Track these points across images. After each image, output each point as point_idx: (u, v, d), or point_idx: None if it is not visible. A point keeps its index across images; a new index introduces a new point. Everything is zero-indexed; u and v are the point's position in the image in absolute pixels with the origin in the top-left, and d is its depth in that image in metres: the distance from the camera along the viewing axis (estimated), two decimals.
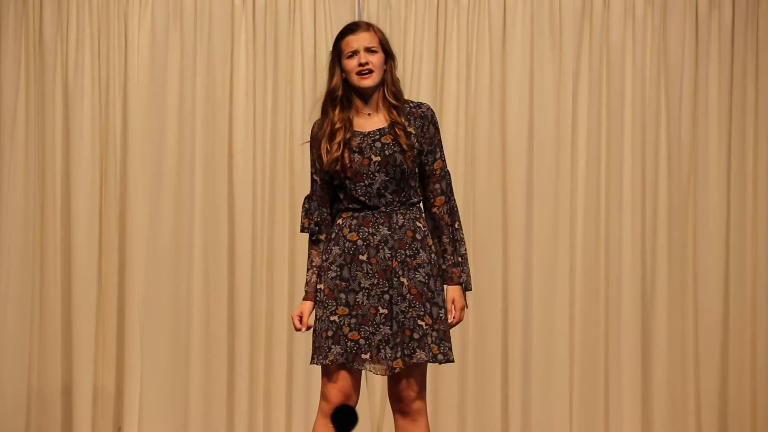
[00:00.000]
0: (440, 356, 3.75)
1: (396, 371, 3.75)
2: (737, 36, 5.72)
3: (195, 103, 5.60)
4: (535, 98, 5.67)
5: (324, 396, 3.81)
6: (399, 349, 3.73)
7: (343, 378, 3.78)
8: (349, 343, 3.75)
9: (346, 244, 3.80)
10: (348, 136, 3.81)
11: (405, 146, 3.79)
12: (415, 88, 5.64)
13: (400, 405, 3.82)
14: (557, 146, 5.68)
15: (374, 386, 5.49)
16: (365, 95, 3.85)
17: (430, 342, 3.75)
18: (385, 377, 3.83)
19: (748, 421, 5.69)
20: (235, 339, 5.59)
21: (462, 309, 3.84)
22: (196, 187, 5.60)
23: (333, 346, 3.75)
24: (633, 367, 5.66)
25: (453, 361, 3.81)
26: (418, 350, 3.74)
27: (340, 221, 3.84)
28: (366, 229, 3.80)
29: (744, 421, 5.69)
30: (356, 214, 3.82)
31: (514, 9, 5.67)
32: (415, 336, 3.74)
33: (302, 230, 3.90)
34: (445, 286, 3.84)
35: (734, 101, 5.73)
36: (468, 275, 3.87)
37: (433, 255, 3.82)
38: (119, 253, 5.58)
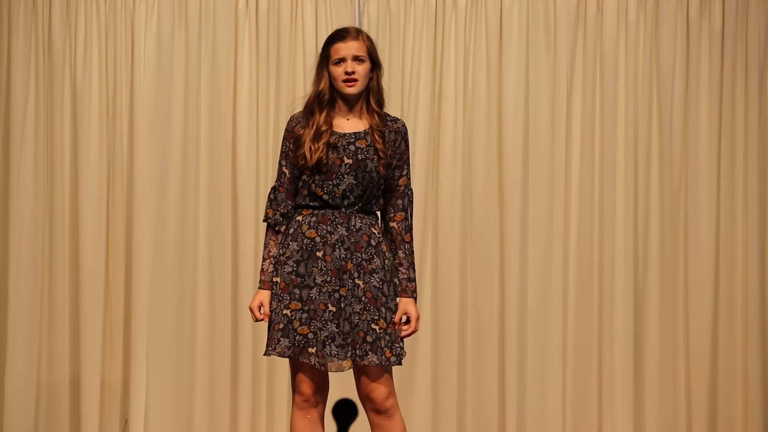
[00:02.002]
0: (393, 359, 3.82)
1: (344, 370, 3.81)
2: (727, 40, 5.76)
3: (200, 104, 5.64)
4: (531, 101, 5.71)
5: (296, 389, 3.89)
6: (350, 349, 3.80)
7: (311, 371, 3.86)
8: (297, 337, 3.81)
9: (305, 241, 3.85)
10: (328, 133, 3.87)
11: (381, 153, 3.86)
12: (414, 90, 5.68)
13: (373, 405, 3.89)
14: (552, 147, 5.72)
15: None
16: (349, 101, 3.91)
17: (383, 345, 3.81)
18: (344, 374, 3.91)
19: (739, 417, 5.74)
20: (239, 334, 5.62)
21: (418, 319, 3.91)
22: (201, 185, 5.64)
23: (282, 339, 3.82)
24: (625, 363, 5.71)
25: (404, 355, 3.87)
26: (370, 353, 3.80)
27: (299, 218, 3.89)
28: (324, 227, 3.86)
29: (735, 417, 5.74)
30: (316, 212, 3.87)
31: (510, 13, 5.71)
32: (369, 339, 3.81)
33: (265, 220, 3.94)
34: (398, 298, 3.92)
35: (724, 103, 5.76)
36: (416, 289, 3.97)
37: (386, 261, 3.89)
38: (126, 250, 5.61)
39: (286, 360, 5.52)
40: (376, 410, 3.89)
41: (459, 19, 5.72)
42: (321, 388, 3.90)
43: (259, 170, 5.66)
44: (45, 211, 5.61)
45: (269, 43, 5.67)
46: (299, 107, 4.01)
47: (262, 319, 3.90)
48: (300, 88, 5.62)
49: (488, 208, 5.71)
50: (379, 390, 3.86)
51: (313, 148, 3.85)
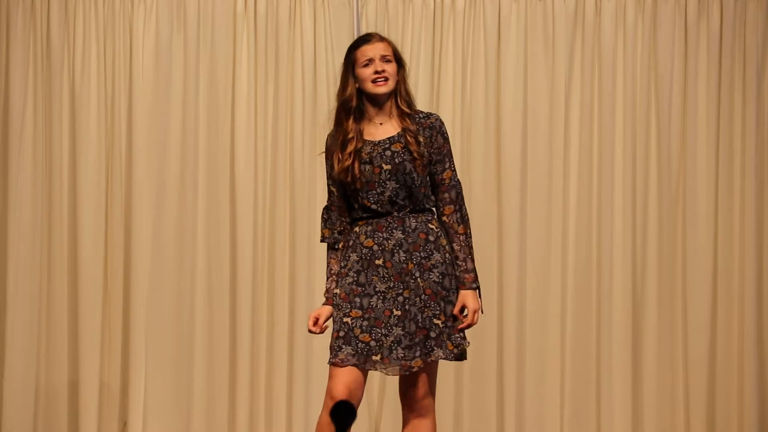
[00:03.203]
0: (455, 350, 3.80)
1: (414, 370, 3.78)
2: (725, 42, 5.77)
3: (198, 107, 5.64)
4: (529, 103, 5.72)
5: (329, 393, 3.83)
6: (417, 348, 3.77)
7: (349, 376, 3.80)
8: (359, 345, 3.77)
9: (363, 251, 3.84)
10: (359, 146, 3.83)
11: (415, 154, 3.82)
12: (413, 93, 5.69)
13: (410, 401, 3.88)
14: (550, 150, 5.72)
15: (372, 385, 5.53)
16: (378, 103, 3.88)
17: (445, 339, 3.80)
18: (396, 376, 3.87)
19: (735, 418, 5.74)
20: (237, 336, 5.63)
21: (475, 312, 3.86)
22: (199, 189, 5.64)
23: (344, 347, 3.78)
24: (624, 366, 5.71)
25: (468, 344, 3.84)
26: (436, 348, 3.79)
27: (357, 229, 3.87)
28: (381, 234, 3.83)
29: (731, 418, 5.75)
30: (371, 221, 3.85)
31: (508, 15, 5.71)
32: (432, 335, 3.79)
33: (323, 240, 3.94)
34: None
35: (722, 106, 5.77)
36: (478, 279, 3.92)
37: (447, 255, 3.86)
38: (124, 252, 5.62)
39: (285, 363, 5.61)
40: (410, 407, 3.88)
41: (457, 22, 5.73)
42: (353, 395, 3.83)
43: (258, 173, 5.67)
44: (43, 214, 5.61)
45: (267, 45, 5.68)
46: (309, 115, 3.99)
47: (313, 332, 3.88)
48: (299, 90, 5.63)
49: (486, 209, 5.72)
50: (419, 388, 3.85)
51: (342, 158, 3.84)
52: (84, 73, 5.61)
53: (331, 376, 3.84)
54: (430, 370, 3.86)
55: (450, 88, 5.72)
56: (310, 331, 3.88)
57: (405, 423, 3.91)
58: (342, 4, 5.71)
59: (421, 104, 5.68)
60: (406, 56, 5.67)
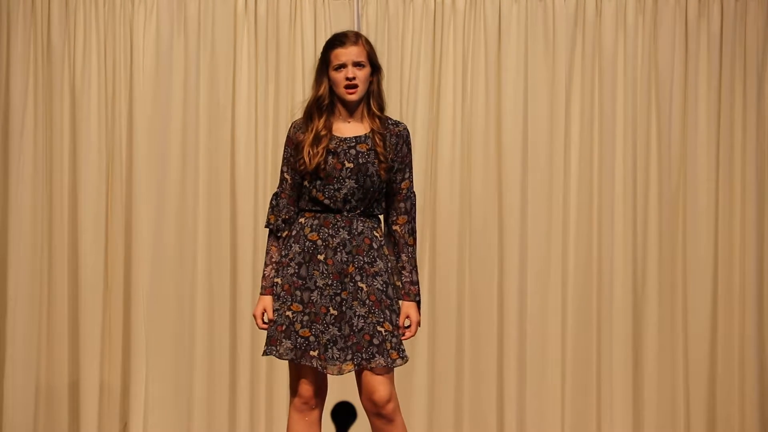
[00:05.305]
0: (399, 360, 3.85)
1: (346, 373, 3.82)
2: (725, 43, 5.78)
3: (198, 107, 5.65)
4: (530, 104, 5.73)
5: (294, 391, 3.93)
6: (351, 352, 3.81)
7: (309, 373, 3.88)
8: (299, 339, 3.84)
9: (306, 243, 3.88)
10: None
11: (381, 157, 3.87)
12: (413, 93, 5.70)
13: (375, 408, 3.90)
14: (551, 150, 5.73)
15: None
16: (349, 105, 3.93)
17: (389, 348, 3.83)
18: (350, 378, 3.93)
19: (737, 418, 5.75)
20: (238, 336, 5.64)
21: (418, 324, 3.93)
22: (200, 188, 5.65)
23: (284, 340, 3.85)
24: (624, 366, 5.72)
25: (407, 358, 3.89)
26: (377, 355, 3.82)
27: (302, 220, 3.92)
28: (326, 231, 3.88)
29: (732, 418, 5.76)
30: (318, 215, 3.90)
31: (509, 15, 5.72)
32: (375, 342, 3.82)
33: (267, 226, 3.97)
34: (400, 301, 3.93)
35: (722, 105, 5.78)
36: (420, 292, 3.98)
37: (389, 264, 3.91)
38: (125, 252, 5.63)
39: (285, 363, 5.57)
40: (377, 414, 3.90)
41: (458, 22, 5.74)
42: (320, 390, 3.93)
43: (258, 173, 5.68)
44: (44, 214, 5.62)
45: (268, 45, 5.69)
46: (299, 113, 4.02)
47: (265, 328, 3.91)
48: (299, 90, 5.64)
49: (487, 210, 5.72)
50: (380, 393, 3.86)
51: (312, 152, 3.87)
52: (84, 73, 5.62)
53: (292, 375, 3.91)
54: (388, 374, 3.88)
55: (450, 88, 5.72)
56: (261, 328, 3.91)
57: (375, 429, 3.93)
58: (342, 4, 5.71)
59: (422, 105, 5.70)
60: (406, 56, 5.71)
